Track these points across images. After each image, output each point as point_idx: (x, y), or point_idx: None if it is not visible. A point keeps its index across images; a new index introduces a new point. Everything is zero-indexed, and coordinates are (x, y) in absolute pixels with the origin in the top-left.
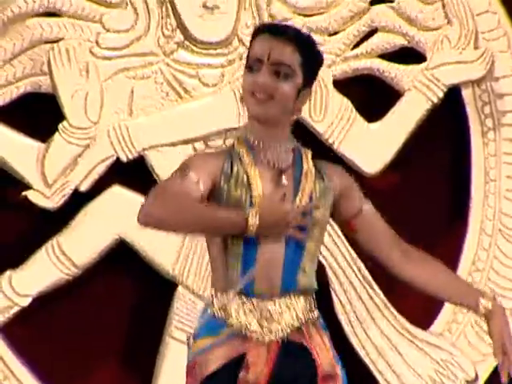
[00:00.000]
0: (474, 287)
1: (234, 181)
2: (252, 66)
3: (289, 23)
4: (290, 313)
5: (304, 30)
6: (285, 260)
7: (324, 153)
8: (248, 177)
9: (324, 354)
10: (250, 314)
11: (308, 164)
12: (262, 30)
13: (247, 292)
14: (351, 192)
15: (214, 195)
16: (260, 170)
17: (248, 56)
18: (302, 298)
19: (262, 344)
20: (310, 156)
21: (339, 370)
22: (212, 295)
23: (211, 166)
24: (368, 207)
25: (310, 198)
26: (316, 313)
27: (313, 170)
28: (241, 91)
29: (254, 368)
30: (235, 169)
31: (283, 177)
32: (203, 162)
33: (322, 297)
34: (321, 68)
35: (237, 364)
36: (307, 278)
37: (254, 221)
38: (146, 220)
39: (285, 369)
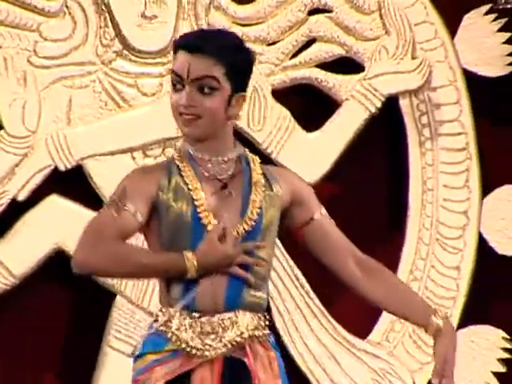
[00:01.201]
0: (427, 304)
1: (173, 194)
2: (175, 83)
3: (209, 28)
4: (233, 329)
5: (228, 32)
6: (229, 278)
7: (262, 162)
8: (189, 190)
9: (268, 375)
10: (190, 329)
11: (257, 172)
12: (179, 46)
13: (189, 307)
14: (303, 199)
15: (155, 212)
16: (202, 184)
17: (172, 72)
18: (248, 314)
19: (205, 361)
20: (257, 163)
21: None
22: (158, 310)
23: (147, 185)
24: (320, 216)
25: (260, 209)
26: (266, 331)
27: (262, 179)
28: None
29: None
30: (173, 182)
31: (227, 191)
32: (139, 182)
33: None
34: (253, 67)
35: (181, 382)
36: (255, 294)
37: (191, 264)
38: (82, 269)
39: None
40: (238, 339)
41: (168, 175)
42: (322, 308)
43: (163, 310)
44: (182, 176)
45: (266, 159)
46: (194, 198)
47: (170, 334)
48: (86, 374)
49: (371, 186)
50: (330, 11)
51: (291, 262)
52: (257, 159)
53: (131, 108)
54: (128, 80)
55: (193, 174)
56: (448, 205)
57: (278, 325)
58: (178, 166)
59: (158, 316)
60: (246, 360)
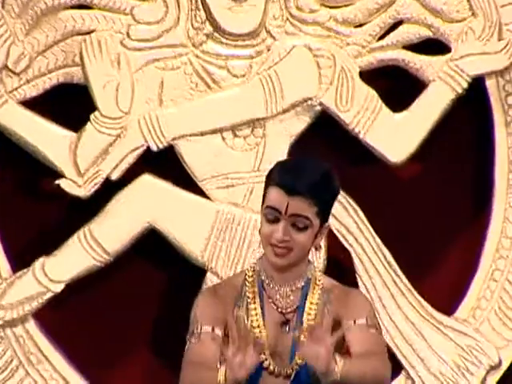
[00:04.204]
0: None
1: (240, 322)
2: (269, 214)
3: (303, 161)
4: None
5: (320, 165)
6: None
7: (349, 142)
8: (253, 327)
9: None
10: None
11: (312, 302)
12: (276, 184)
13: None
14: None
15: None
16: (267, 313)
17: (264, 199)
18: None
19: None
20: (317, 290)
21: None
22: None
23: (219, 310)
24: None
25: (311, 334)
26: None
27: (315, 307)
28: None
29: None
30: (240, 313)
31: (287, 327)
32: (210, 307)
33: (348, 282)
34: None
35: None
36: None
37: (221, 379)
38: None
39: None
40: None
41: (238, 305)
42: (409, 285)
43: None
44: (248, 308)
45: (354, 140)
46: (255, 331)
47: None
48: (179, 350)
49: (457, 166)
50: None
51: (378, 241)
52: (320, 281)
53: (221, 89)
54: (218, 62)
55: (259, 306)
56: None
57: None
58: (247, 295)
59: None
60: None
